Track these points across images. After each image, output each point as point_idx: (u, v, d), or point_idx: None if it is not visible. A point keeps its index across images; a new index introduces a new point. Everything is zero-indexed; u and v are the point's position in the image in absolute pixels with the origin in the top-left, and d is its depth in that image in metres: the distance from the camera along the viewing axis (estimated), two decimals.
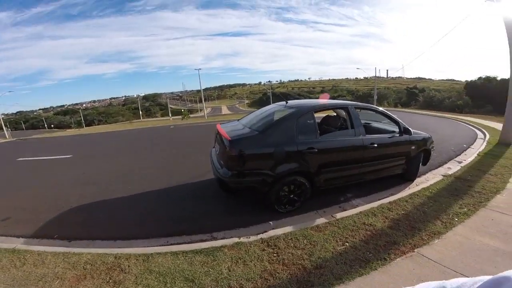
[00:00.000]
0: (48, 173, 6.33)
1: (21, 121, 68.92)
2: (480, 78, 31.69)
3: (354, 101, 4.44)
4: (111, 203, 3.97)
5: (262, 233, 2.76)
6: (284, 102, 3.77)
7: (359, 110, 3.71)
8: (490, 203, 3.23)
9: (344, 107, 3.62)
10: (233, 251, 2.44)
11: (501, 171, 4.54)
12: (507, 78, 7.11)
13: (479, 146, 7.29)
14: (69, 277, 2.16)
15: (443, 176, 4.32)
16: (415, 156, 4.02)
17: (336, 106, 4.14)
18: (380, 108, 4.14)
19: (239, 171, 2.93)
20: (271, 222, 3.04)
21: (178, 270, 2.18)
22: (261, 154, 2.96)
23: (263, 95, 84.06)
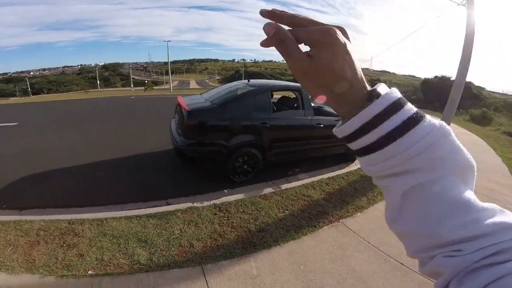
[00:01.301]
0: None
1: None
2: (436, 76, 35.00)
3: None
4: (63, 172, 3.86)
5: (216, 199, 3.05)
6: (246, 81, 4.02)
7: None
8: None
9: (297, 90, 3.99)
10: (186, 215, 2.68)
11: None
12: None
13: None
14: (22, 244, 2.17)
15: None
16: None
17: (290, 88, 4.48)
18: None
19: (195, 141, 3.16)
20: (225, 191, 3.34)
21: (131, 232, 2.35)
22: (217, 126, 3.21)
23: (235, 73, 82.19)
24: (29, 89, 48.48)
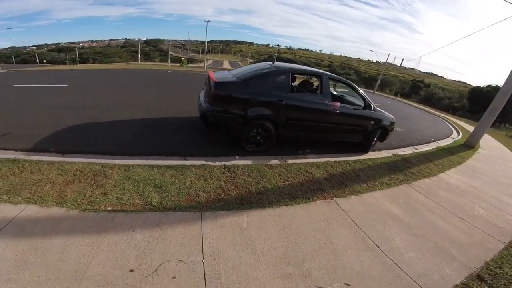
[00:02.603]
0: (45, 98, 6.59)
1: (12, 56, 64.98)
2: (489, 86, 31.57)
3: (347, 78, 4.91)
4: (104, 125, 4.46)
5: (227, 162, 3.42)
6: (271, 62, 4.28)
7: (333, 81, 4.35)
8: (415, 183, 3.88)
9: (319, 75, 4.15)
10: (198, 170, 3.07)
11: (445, 163, 5.19)
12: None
13: (445, 142, 7.97)
14: (60, 182, 2.51)
15: (393, 154, 5.00)
16: (372, 131, 4.63)
17: (312, 73, 4.60)
18: (352, 83, 4.65)
19: (218, 108, 3.54)
20: (237, 157, 3.67)
21: (150, 178, 2.73)
22: (238, 98, 3.54)
23: (268, 57, 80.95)
24: (78, 58, 52.83)
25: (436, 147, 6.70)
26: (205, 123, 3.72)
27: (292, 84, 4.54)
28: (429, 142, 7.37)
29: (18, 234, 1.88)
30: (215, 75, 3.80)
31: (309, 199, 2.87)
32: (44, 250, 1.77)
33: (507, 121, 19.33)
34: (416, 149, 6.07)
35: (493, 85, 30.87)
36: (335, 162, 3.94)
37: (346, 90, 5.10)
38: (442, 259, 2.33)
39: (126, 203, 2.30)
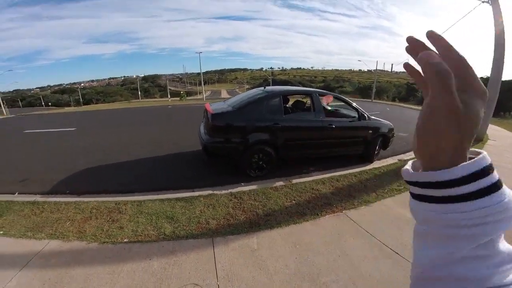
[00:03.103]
0: (56, 142, 6.97)
1: (18, 99, 68.91)
2: (481, 78, 31.89)
3: (336, 93, 5.12)
4: (114, 166, 4.67)
5: (232, 189, 3.50)
6: (263, 87, 4.50)
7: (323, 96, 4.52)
8: None
9: (309, 94, 4.36)
10: (206, 199, 3.18)
11: None
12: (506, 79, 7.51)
13: None
14: (78, 219, 2.72)
15: (398, 160, 5.02)
16: (372, 140, 4.71)
17: (302, 92, 4.84)
18: (342, 96, 4.83)
19: (218, 139, 3.72)
20: (242, 183, 3.75)
21: (162, 211, 2.85)
22: (235, 126, 3.72)
23: (264, 81, 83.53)
24: (81, 100, 55.36)
25: None
26: (207, 155, 3.86)
27: (286, 105, 4.74)
28: None
29: (44, 265, 2.03)
30: (212, 107, 4.02)
31: (317, 214, 2.88)
32: (69, 280, 1.89)
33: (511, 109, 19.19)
34: None
35: (485, 77, 31.10)
36: (340, 176, 3.97)
37: (341, 103, 5.28)
38: None
39: (141, 234, 2.46)
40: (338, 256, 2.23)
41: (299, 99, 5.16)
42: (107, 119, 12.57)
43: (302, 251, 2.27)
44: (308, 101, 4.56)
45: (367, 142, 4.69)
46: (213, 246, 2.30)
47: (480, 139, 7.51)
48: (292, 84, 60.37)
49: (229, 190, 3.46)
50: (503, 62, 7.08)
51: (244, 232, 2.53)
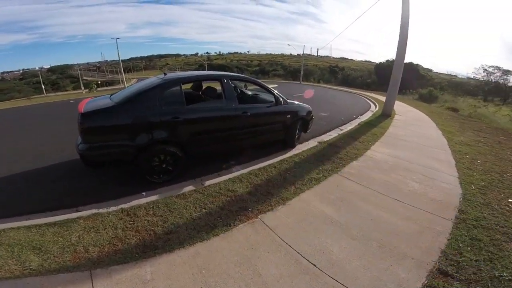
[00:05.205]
0: None
1: None
2: (388, 60, 37.11)
3: (254, 77, 4.61)
4: None
5: (126, 204, 2.75)
6: (163, 75, 3.64)
7: (237, 81, 4.04)
8: (344, 169, 3.75)
9: (217, 78, 3.73)
10: (88, 221, 2.46)
11: (369, 138, 5.45)
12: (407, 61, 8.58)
13: (366, 116, 8.69)
14: None
15: (318, 142, 4.98)
16: (291, 124, 4.48)
17: (208, 77, 4.23)
18: (256, 80, 4.47)
19: (95, 144, 2.89)
20: (144, 193, 3.02)
21: (27, 241, 2.22)
22: (116, 126, 2.92)
23: (199, 66, 79.29)
24: None
25: (358, 124, 7.14)
26: (87, 164, 3.01)
27: (196, 94, 4.04)
28: (352, 120, 7.87)
29: None
30: (86, 104, 3.08)
31: (230, 225, 2.42)
32: None
33: (410, 87, 23.19)
34: (341, 130, 6.29)
35: (391, 60, 36.66)
36: (259, 169, 3.61)
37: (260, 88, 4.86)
38: (392, 261, 2.03)
39: (1, 270, 1.95)
40: (251, 279, 1.85)
41: (210, 85, 4.48)
42: None
43: (208, 278, 1.83)
44: (219, 87, 3.91)
45: (287, 127, 4.44)
46: (92, 281, 1.80)
47: (389, 115, 8.44)
48: (230, 70, 58.98)
49: (120, 206, 2.70)
50: (405, 47, 7.95)
51: (135, 259, 1.98)
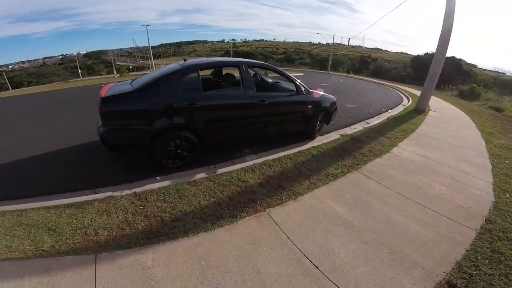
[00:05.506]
0: None
1: None
2: (427, 53, 34.03)
3: (272, 65, 4.38)
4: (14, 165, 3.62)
5: (139, 188, 2.80)
6: (183, 61, 3.60)
7: (256, 68, 3.91)
8: (365, 166, 3.47)
9: (236, 65, 3.59)
10: (102, 204, 2.52)
11: (397, 135, 4.98)
12: (448, 56, 7.75)
13: (397, 111, 8.04)
14: None
15: (341, 135, 4.67)
16: (313, 115, 4.22)
17: (227, 63, 4.07)
18: (277, 67, 4.22)
19: (114, 127, 2.97)
20: (158, 177, 3.05)
21: (44, 222, 2.29)
22: (135, 110, 2.97)
23: (225, 53, 79.26)
24: (8, 83, 46.09)
25: (387, 118, 6.61)
26: (106, 147, 3.09)
27: (215, 79, 3.95)
28: (381, 113, 7.32)
29: None
30: (107, 89, 3.17)
31: (236, 217, 2.35)
32: None
33: (450, 83, 21.12)
34: (367, 123, 5.87)
35: (430, 52, 33.54)
36: (274, 160, 3.46)
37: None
38: (400, 269, 1.88)
39: (16, 250, 2.04)
40: (249, 275, 1.77)
41: (229, 72, 4.34)
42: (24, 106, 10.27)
43: (207, 269, 1.79)
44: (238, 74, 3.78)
45: (307, 118, 4.20)
46: (95, 264, 1.84)
47: (422, 111, 7.72)
48: (255, 57, 58.40)
49: (133, 190, 2.74)
50: (449, 39, 7.11)
51: (139, 245, 2.00)
